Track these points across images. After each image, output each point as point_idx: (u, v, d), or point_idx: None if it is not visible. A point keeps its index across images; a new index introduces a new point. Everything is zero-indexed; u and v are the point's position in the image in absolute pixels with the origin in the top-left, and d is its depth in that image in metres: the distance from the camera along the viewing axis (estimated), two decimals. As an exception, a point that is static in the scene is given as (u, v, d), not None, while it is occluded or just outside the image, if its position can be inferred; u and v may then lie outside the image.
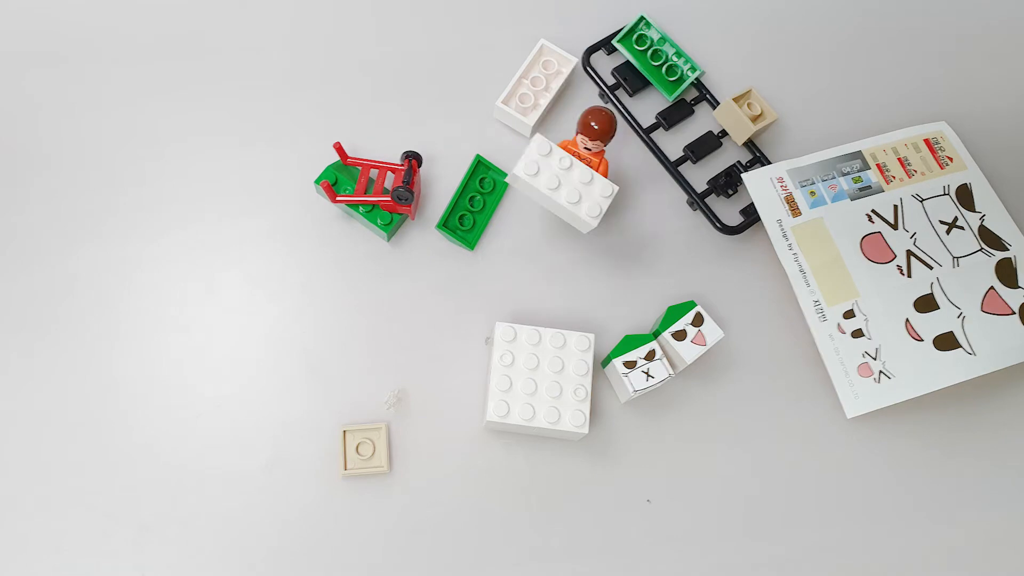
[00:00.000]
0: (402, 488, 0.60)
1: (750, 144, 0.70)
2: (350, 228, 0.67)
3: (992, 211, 0.67)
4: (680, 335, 0.61)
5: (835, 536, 0.62)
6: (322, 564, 0.58)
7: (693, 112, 0.72)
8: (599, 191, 0.61)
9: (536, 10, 0.74)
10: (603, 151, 0.62)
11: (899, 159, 0.69)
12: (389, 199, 0.64)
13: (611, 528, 0.61)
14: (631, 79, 0.72)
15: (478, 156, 0.68)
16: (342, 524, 0.59)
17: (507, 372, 0.60)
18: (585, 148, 0.62)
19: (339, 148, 0.66)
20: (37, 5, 0.72)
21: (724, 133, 0.71)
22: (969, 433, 0.64)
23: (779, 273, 0.67)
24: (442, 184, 0.69)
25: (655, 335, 0.62)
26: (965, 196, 0.68)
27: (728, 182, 0.68)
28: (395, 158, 0.68)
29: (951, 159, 0.69)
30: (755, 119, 0.68)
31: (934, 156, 0.69)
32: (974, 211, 0.67)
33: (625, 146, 0.71)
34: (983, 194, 0.68)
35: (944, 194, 0.68)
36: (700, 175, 0.70)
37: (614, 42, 0.72)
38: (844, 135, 0.71)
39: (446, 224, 0.67)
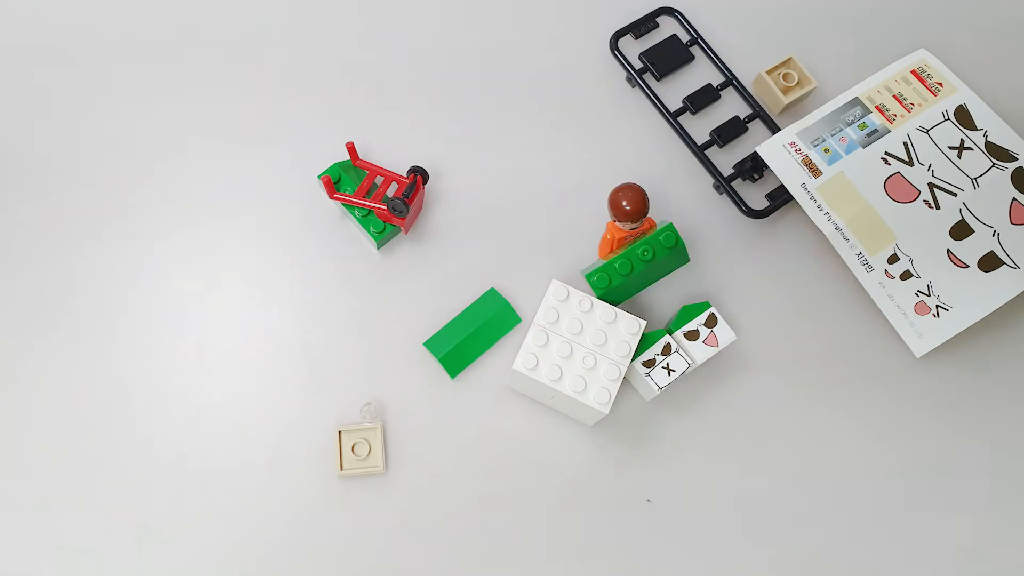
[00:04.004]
0: (399, 488, 0.60)
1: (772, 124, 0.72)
2: (351, 230, 0.67)
3: (992, 126, 0.69)
4: (692, 335, 0.61)
5: (834, 537, 0.62)
6: (320, 564, 0.58)
7: (720, 97, 0.72)
8: (624, 327, 0.60)
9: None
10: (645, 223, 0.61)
11: (894, 96, 0.70)
12: (385, 207, 0.63)
13: (612, 528, 0.60)
14: (659, 63, 0.72)
15: (492, 289, 0.65)
16: (339, 524, 0.59)
17: (547, 329, 0.59)
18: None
19: (351, 148, 0.65)
20: (39, 7, 0.71)
21: (750, 118, 0.71)
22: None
23: (806, 258, 0.68)
24: (447, 199, 0.68)
25: (668, 332, 0.62)
26: (964, 117, 0.70)
27: (754, 166, 0.69)
28: (405, 171, 0.67)
29: (940, 84, 0.71)
30: (787, 90, 0.69)
31: (924, 85, 0.71)
32: (976, 129, 0.69)
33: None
34: (979, 111, 0.70)
35: (945, 120, 0.70)
36: (726, 160, 0.70)
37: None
38: (836, 86, 0.72)
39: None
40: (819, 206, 0.67)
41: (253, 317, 0.64)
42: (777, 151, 0.69)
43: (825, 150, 0.68)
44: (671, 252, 0.64)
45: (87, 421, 0.60)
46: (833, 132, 0.69)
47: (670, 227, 0.64)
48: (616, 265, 0.63)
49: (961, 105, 0.70)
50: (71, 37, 0.71)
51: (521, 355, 0.58)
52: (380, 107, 0.71)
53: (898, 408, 0.64)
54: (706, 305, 0.62)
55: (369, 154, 0.69)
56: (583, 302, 0.60)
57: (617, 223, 0.60)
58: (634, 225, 0.60)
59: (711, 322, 0.61)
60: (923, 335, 0.65)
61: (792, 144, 0.69)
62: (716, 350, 0.61)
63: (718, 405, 0.64)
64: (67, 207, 0.66)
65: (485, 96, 0.72)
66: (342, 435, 0.60)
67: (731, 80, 0.72)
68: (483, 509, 0.60)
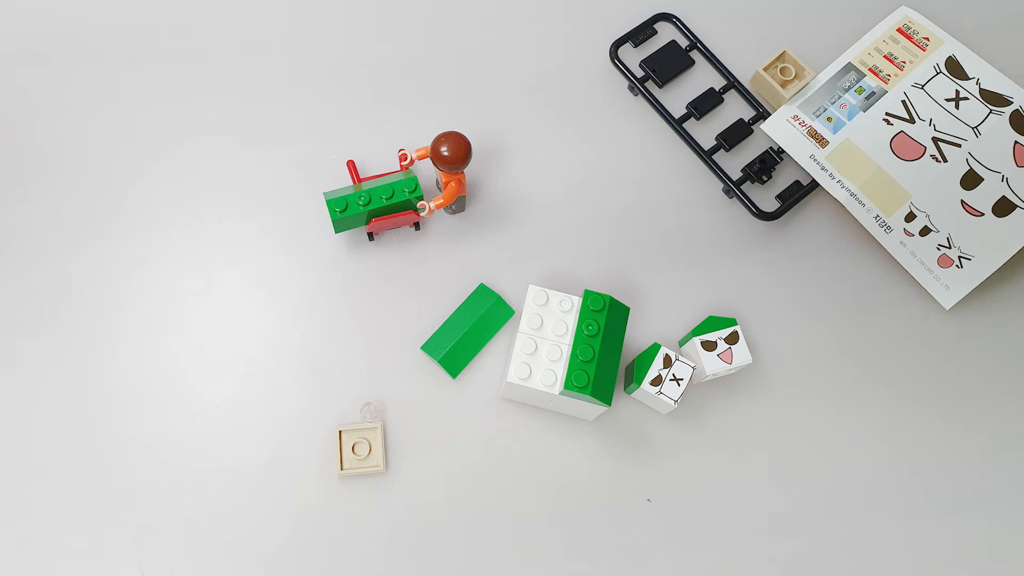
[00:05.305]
0: (399, 487, 0.60)
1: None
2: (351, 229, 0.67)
3: (983, 73, 0.71)
4: (710, 345, 0.61)
5: (839, 536, 0.62)
6: (320, 564, 0.58)
7: (723, 100, 0.72)
8: None
9: (559, 5, 0.75)
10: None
11: (885, 56, 0.71)
12: (409, 212, 0.63)
13: (612, 528, 0.60)
14: (660, 70, 0.71)
15: (482, 285, 0.65)
16: (340, 524, 0.59)
17: (533, 336, 0.58)
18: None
19: (351, 166, 0.65)
20: (37, 5, 0.71)
21: (754, 119, 0.71)
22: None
23: (819, 257, 0.68)
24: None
25: (683, 341, 0.62)
26: (955, 67, 0.71)
27: (762, 168, 0.69)
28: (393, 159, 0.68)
29: (927, 39, 0.72)
30: (786, 84, 0.69)
31: (912, 41, 0.72)
32: (968, 78, 0.70)
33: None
34: (969, 60, 0.71)
35: (937, 73, 0.71)
36: (733, 163, 0.70)
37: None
38: (827, 54, 0.72)
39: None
40: (831, 175, 0.68)
41: (253, 317, 0.64)
42: (782, 126, 0.69)
43: (828, 119, 0.69)
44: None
45: (87, 421, 0.60)
46: (832, 100, 0.70)
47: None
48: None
49: (951, 56, 0.71)
50: (73, 38, 0.71)
51: (513, 366, 0.57)
52: (380, 107, 0.70)
53: (930, 388, 0.65)
54: (732, 322, 0.61)
55: (369, 154, 0.68)
56: (563, 302, 0.59)
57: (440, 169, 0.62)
58: (454, 170, 0.61)
59: (732, 339, 0.61)
60: (949, 287, 0.66)
61: (795, 117, 0.69)
62: (728, 367, 0.60)
63: (719, 404, 0.64)
64: (67, 207, 0.66)
65: (486, 98, 0.71)
66: (342, 435, 0.60)
67: (733, 83, 0.72)
68: (483, 509, 0.60)
